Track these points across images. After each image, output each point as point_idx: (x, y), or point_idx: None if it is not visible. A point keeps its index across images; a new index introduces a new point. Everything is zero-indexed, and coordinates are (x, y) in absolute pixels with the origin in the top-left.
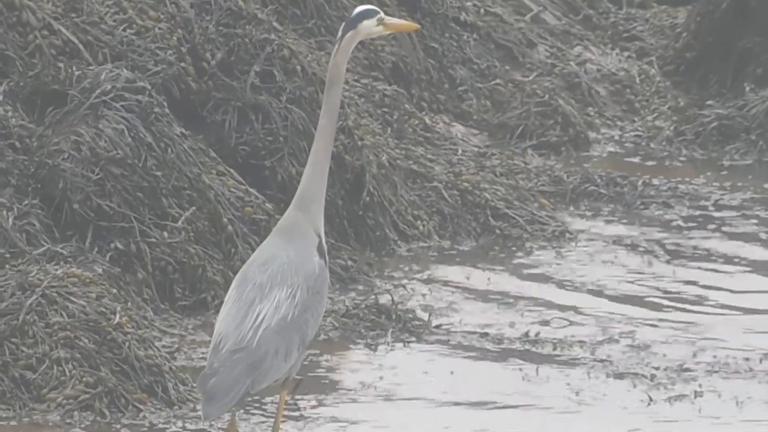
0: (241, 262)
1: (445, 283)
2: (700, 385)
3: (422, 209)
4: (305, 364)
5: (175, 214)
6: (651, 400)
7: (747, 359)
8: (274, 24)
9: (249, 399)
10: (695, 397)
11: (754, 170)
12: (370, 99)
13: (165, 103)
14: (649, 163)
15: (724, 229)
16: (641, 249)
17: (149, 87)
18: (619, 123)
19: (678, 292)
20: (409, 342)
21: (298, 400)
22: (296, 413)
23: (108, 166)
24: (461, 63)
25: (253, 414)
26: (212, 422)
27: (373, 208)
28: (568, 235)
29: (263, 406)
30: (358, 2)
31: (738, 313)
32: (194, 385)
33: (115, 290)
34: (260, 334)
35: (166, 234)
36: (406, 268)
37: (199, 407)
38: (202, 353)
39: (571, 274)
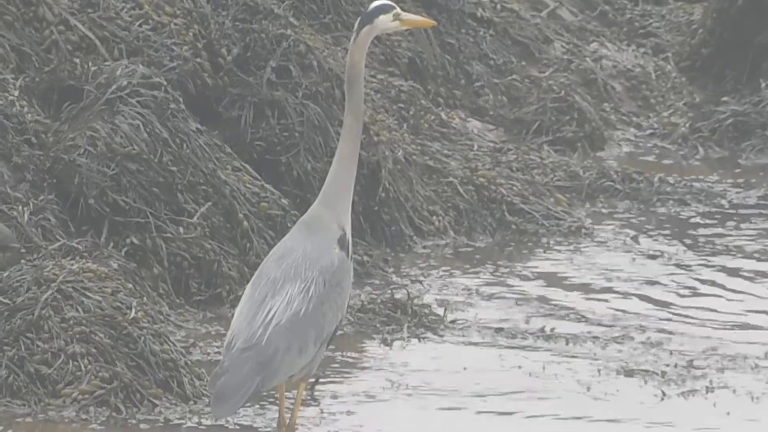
0: (256, 258)
1: (461, 279)
2: (711, 382)
3: (438, 205)
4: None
5: (190, 209)
6: (664, 395)
7: (758, 357)
8: (291, 19)
9: (265, 394)
10: (707, 392)
11: None
12: (386, 94)
13: (181, 99)
14: (665, 160)
15: (740, 226)
16: (657, 246)
17: (165, 83)
18: (635, 119)
19: (693, 289)
20: (424, 337)
21: (314, 394)
22: (313, 408)
23: (124, 162)
24: (477, 59)
25: (269, 409)
26: (227, 418)
27: (388, 204)
28: (584, 230)
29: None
30: None
31: (753, 310)
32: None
33: (130, 285)
34: (270, 331)
35: (181, 229)
36: (422, 264)
37: None
38: (218, 348)
39: (586, 270)
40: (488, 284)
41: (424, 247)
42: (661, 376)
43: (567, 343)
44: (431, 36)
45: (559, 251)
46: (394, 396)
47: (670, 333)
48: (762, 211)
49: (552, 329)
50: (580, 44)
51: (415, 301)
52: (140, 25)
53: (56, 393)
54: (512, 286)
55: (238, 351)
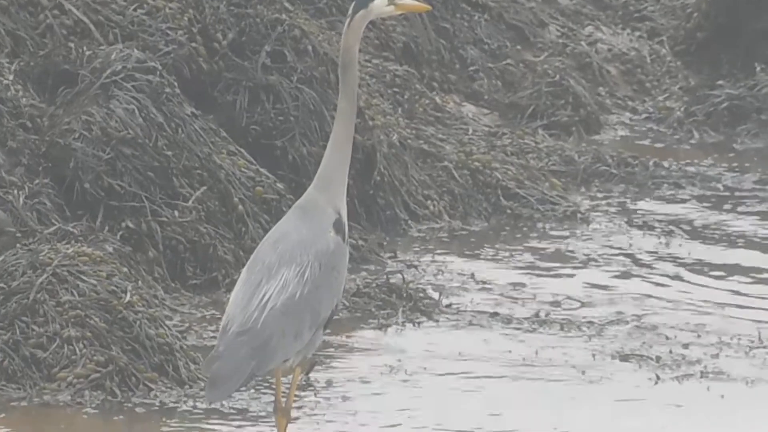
0: (251, 241)
1: (456, 263)
2: (705, 366)
3: (433, 189)
4: None
5: (186, 193)
6: (659, 379)
7: (753, 341)
8: (285, 4)
9: (261, 378)
10: (701, 376)
11: (764, 152)
12: (381, 79)
13: (176, 84)
14: (660, 144)
15: (734, 210)
16: (652, 230)
17: (160, 67)
18: (630, 103)
19: (688, 273)
20: (419, 322)
21: (310, 379)
22: (308, 392)
23: (119, 146)
24: (472, 43)
25: (264, 393)
26: (222, 402)
27: (383, 188)
28: (579, 215)
29: (275, 386)
30: None
31: (748, 294)
32: None
33: (125, 269)
34: (265, 315)
35: (176, 213)
36: (417, 248)
37: None
38: (213, 332)
39: (582, 255)
40: (483, 269)
41: (419, 232)
42: (655, 361)
43: (562, 328)
44: (426, 20)
45: (554, 236)
46: (389, 380)
47: (665, 317)
48: (757, 194)
49: (547, 314)
50: (575, 28)
51: (411, 285)
52: (135, 10)
53: (51, 377)
54: (507, 270)
55: (233, 335)
